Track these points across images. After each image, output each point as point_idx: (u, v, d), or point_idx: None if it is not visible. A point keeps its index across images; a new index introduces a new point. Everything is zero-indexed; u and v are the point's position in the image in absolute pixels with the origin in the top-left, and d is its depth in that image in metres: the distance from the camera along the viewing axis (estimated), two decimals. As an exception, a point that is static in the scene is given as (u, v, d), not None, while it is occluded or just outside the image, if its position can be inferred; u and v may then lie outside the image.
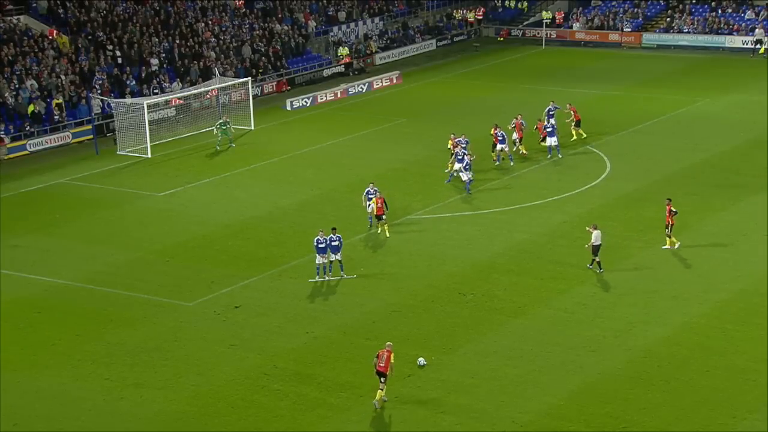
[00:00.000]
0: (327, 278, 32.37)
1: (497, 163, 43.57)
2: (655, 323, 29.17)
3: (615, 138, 48.02)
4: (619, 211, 38.18)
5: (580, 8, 75.85)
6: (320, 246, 32.06)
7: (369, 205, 36.34)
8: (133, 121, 48.71)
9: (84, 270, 34.05)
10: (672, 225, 33.83)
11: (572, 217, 37.68)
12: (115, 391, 26.18)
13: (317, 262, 32.27)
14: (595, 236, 32.24)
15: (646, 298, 30.84)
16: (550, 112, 45.85)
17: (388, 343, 25.46)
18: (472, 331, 29.03)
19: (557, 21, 75.00)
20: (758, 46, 66.75)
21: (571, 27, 74.16)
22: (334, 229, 32.80)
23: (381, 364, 24.89)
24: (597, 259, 32.39)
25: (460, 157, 40.33)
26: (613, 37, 71.93)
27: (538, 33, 73.78)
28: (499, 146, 43.38)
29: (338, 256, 32.33)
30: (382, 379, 24.89)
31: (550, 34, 73.41)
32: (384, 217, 35.93)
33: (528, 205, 39.20)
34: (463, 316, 30.03)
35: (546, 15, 73.95)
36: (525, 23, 76.80)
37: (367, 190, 36.90)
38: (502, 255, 34.49)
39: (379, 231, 36.12)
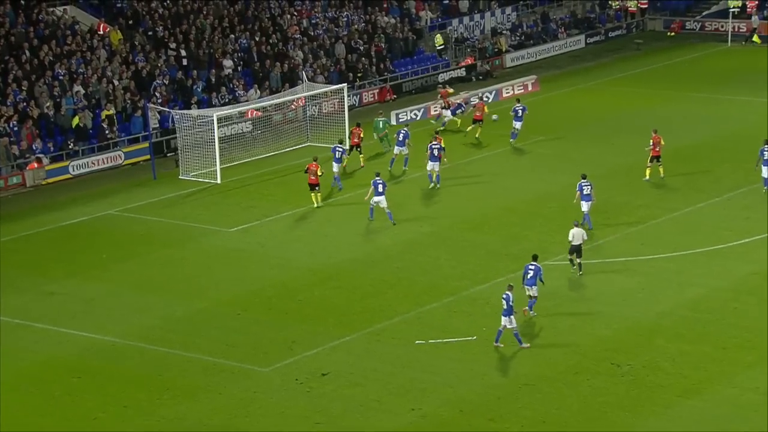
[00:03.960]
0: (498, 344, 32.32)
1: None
2: None
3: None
4: (829, 261, 37.28)
5: (781, -7, 74.73)
6: (510, 304, 31.85)
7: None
8: (199, 138, 49.91)
9: (135, 324, 34.86)
10: None
11: (765, 268, 36.86)
12: (170, 478, 26.79)
13: (503, 323, 31.99)
14: (573, 234, 35.74)
15: None
16: (518, 114, 50.75)
17: None
18: (629, 413, 28.72)
19: (748, 10, 73.86)
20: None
21: None
22: (535, 256, 33.93)
23: None
24: (578, 260, 35.93)
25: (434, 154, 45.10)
26: (827, 30, 70.66)
27: (722, 26, 72.86)
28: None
29: (533, 291, 33.52)
30: None
31: (738, 28, 72.37)
32: (317, 187, 42.44)
33: (704, 250, 38.64)
34: (618, 393, 29.73)
35: (733, 3, 72.92)
36: (704, 14, 75.98)
37: (334, 147, 42.72)
38: (669, 315, 34.09)
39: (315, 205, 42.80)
